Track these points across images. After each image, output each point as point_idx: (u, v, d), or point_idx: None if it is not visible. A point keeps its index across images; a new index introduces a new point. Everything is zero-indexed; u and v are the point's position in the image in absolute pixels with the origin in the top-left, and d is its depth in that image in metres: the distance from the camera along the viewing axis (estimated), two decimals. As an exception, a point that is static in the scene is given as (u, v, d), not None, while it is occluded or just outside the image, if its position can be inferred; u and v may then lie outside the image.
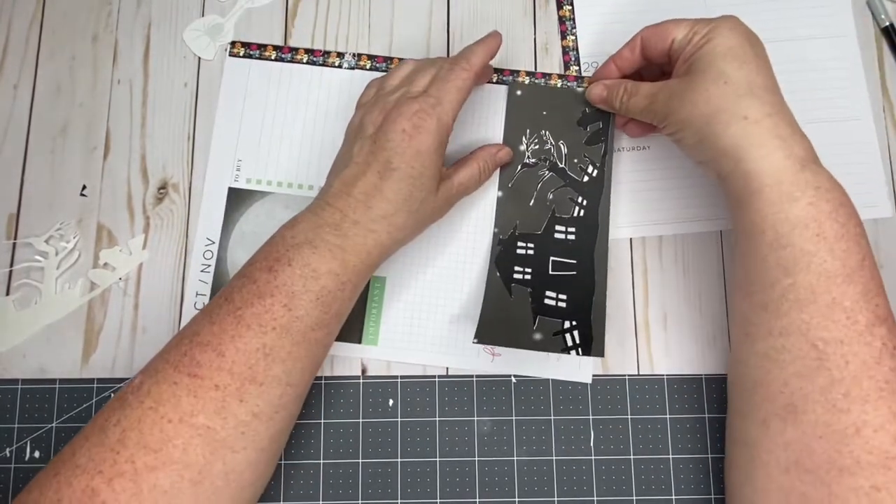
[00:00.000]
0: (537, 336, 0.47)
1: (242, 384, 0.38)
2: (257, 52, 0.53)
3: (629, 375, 0.49)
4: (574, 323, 0.47)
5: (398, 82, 0.46)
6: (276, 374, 0.39)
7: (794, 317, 0.38)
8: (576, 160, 0.51)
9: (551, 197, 0.50)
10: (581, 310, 0.48)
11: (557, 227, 0.50)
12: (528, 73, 0.52)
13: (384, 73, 0.49)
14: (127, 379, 0.48)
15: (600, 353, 0.47)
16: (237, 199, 0.51)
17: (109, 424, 0.37)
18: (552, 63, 0.53)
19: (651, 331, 0.49)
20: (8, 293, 0.49)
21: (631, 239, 0.51)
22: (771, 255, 0.39)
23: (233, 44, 0.53)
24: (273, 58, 0.53)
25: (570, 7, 0.54)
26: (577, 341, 0.47)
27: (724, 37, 0.42)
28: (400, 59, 0.53)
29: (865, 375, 0.36)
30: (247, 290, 0.39)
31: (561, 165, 0.51)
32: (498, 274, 0.49)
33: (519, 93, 0.52)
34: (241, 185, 0.51)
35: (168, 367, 0.38)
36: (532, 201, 0.50)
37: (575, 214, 0.50)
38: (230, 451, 0.38)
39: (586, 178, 0.50)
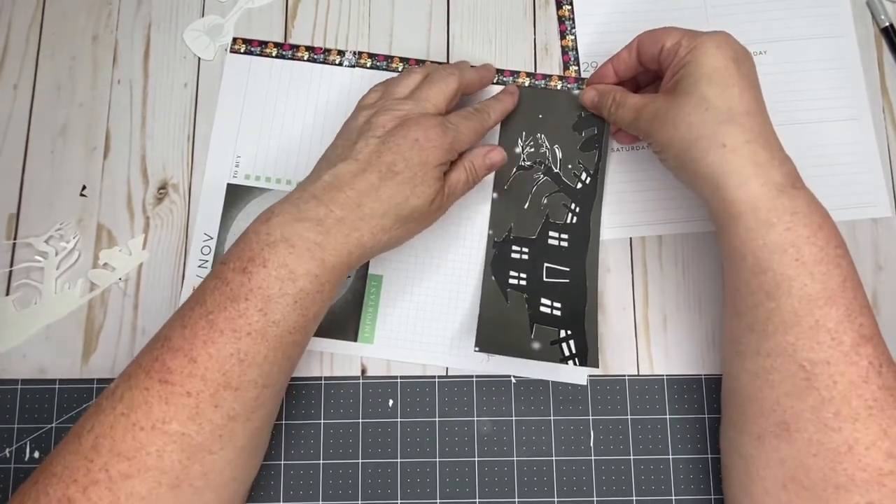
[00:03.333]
0: (536, 345, 0.47)
1: (216, 390, 0.37)
2: (258, 48, 0.53)
3: (629, 376, 0.49)
4: (569, 332, 0.48)
5: (407, 91, 0.46)
6: (252, 378, 0.38)
7: (780, 339, 0.38)
8: (570, 166, 0.51)
9: (545, 202, 0.50)
10: (575, 319, 0.48)
11: (551, 233, 0.50)
12: (529, 75, 0.52)
13: (389, 77, 0.49)
14: (127, 379, 0.48)
15: (595, 364, 0.47)
16: (235, 195, 0.51)
17: (84, 431, 0.37)
18: (552, 63, 0.53)
19: (650, 331, 0.49)
20: (8, 293, 0.49)
21: (631, 239, 0.51)
22: (753, 280, 0.39)
23: (234, 40, 0.53)
24: (274, 54, 0.53)
25: (569, 7, 0.54)
26: (574, 351, 0.47)
27: (710, 56, 0.41)
28: (400, 58, 0.53)
29: (854, 394, 0.37)
30: (219, 292, 0.38)
31: (556, 170, 0.51)
32: (493, 278, 0.49)
33: None
34: (240, 181, 0.51)
35: (140, 371, 0.38)
36: (527, 205, 0.50)
37: (568, 221, 0.50)
38: (207, 453, 0.37)
39: (580, 185, 0.51)
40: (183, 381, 0.37)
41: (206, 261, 0.50)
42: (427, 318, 0.49)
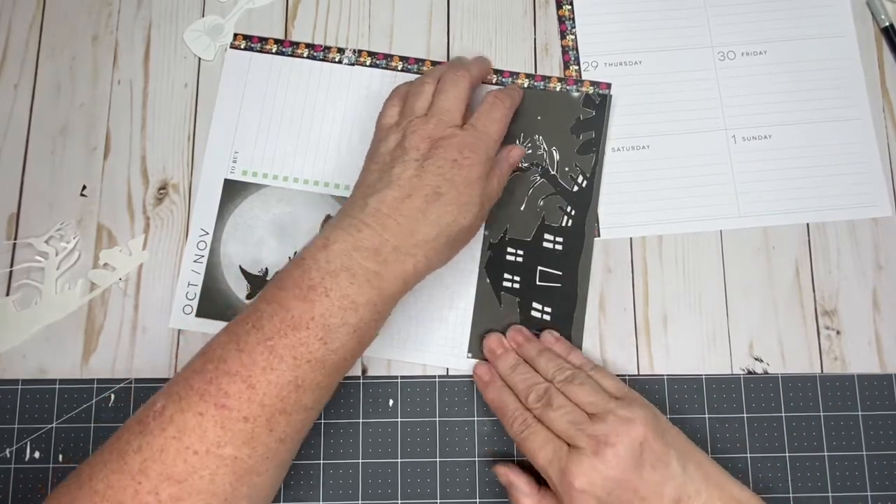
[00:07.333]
0: None
1: (273, 415, 0.37)
2: (258, 45, 0.53)
3: (629, 375, 0.49)
4: None
5: (426, 106, 0.46)
6: (305, 403, 0.38)
7: None
8: (567, 168, 0.51)
9: (542, 204, 0.50)
10: (563, 324, 0.49)
11: (546, 236, 0.50)
12: (528, 76, 0.52)
13: (400, 85, 0.49)
14: (126, 379, 0.48)
15: None
16: (232, 191, 0.51)
17: (129, 450, 0.36)
18: (552, 63, 0.53)
19: (651, 331, 0.49)
20: (8, 293, 0.49)
21: (631, 239, 0.51)
22: None
23: (234, 36, 0.53)
24: (274, 51, 0.53)
25: (569, 7, 0.54)
26: None
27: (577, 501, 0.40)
28: (400, 57, 0.53)
29: None
30: (279, 318, 0.38)
31: (552, 172, 0.51)
32: (488, 280, 0.49)
33: None
34: (237, 176, 0.51)
35: (193, 394, 0.37)
36: (523, 206, 0.51)
37: (563, 224, 0.50)
38: (255, 475, 0.37)
39: (576, 188, 0.51)
40: (241, 406, 0.36)
41: (202, 256, 0.50)
42: (422, 317, 0.49)
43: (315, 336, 0.38)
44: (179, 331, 0.49)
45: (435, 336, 0.49)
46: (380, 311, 0.40)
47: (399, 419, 0.48)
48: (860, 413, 0.48)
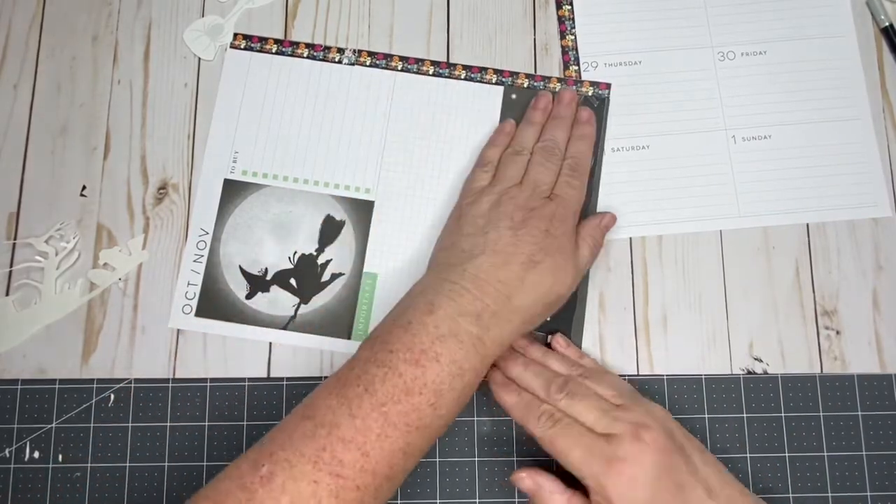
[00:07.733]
0: None
1: (381, 483, 0.37)
2: (258, 45, 0.53)
3: (629, 375, 0.49)
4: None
5: (521, 173, 0.47)
6: (408, 468, 0.39)
7: None
8: None
9: None
10: (563, 325, 0.49)
11: None
12: (528, 76, 0.52)
13: (489, 156, 0.49)
14: (126, 379, 0.48)
15: None
16: (232, 191, 0.51)
17: None
18: (552, 63, 0.53)
19: (651, 331, 0.49)
20: (8, 293, 0.49)
21: (631, 239, 0.51)
22: None
23: (234, 35, 0.53)
24: (274, 51, 0.53)
25: (569, 7, 0.54)
26: None
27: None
28: (400, 57, 0.53)
29: None
30: (391, 382, 0.38)
31: None
32: None
33: (514, 96, 0.52)
34: (237, 176, 0.51)
35: (304, 461, 0.36)
36: None
37: None
38: None
39: None
40: (354, 476, 0.36)
41: (202, 256, 0.50)
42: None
43: (426, 402, 0.38)
44: (179, 331, 0.49)
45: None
46: (480, 375, 0.41)
47: (399, 419, 0.48)
48: (860, 413, 0.48)
